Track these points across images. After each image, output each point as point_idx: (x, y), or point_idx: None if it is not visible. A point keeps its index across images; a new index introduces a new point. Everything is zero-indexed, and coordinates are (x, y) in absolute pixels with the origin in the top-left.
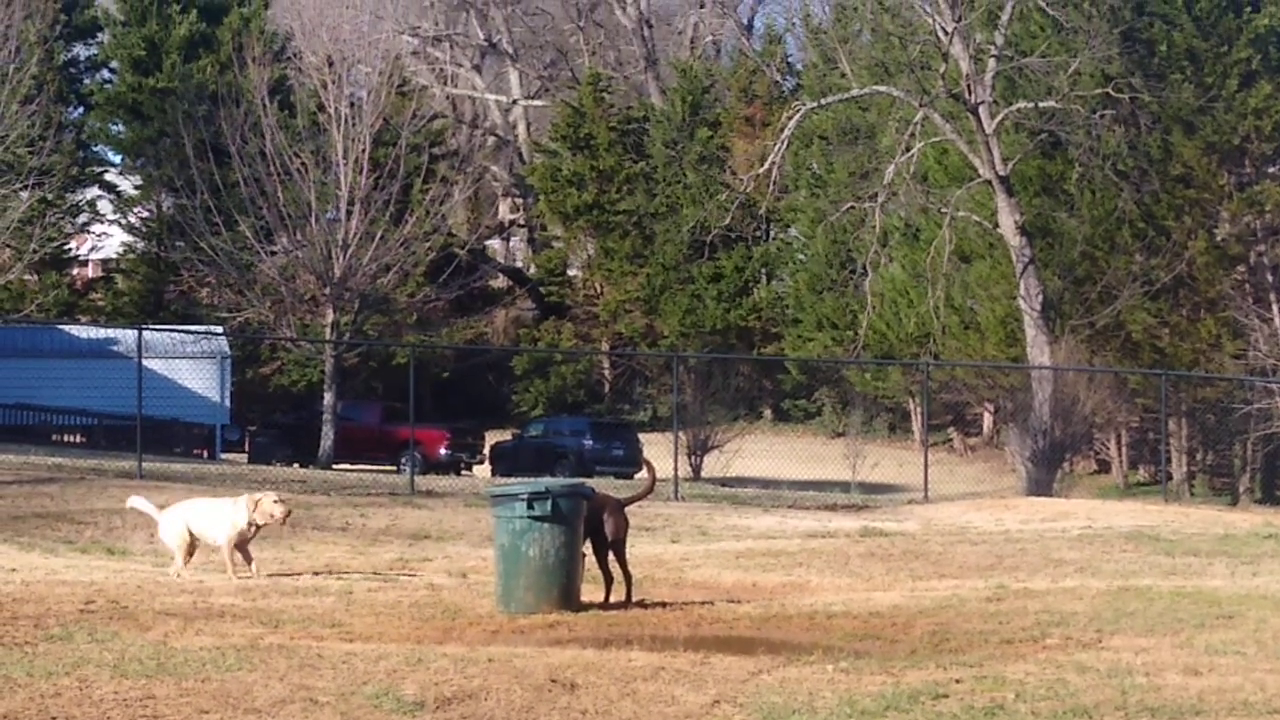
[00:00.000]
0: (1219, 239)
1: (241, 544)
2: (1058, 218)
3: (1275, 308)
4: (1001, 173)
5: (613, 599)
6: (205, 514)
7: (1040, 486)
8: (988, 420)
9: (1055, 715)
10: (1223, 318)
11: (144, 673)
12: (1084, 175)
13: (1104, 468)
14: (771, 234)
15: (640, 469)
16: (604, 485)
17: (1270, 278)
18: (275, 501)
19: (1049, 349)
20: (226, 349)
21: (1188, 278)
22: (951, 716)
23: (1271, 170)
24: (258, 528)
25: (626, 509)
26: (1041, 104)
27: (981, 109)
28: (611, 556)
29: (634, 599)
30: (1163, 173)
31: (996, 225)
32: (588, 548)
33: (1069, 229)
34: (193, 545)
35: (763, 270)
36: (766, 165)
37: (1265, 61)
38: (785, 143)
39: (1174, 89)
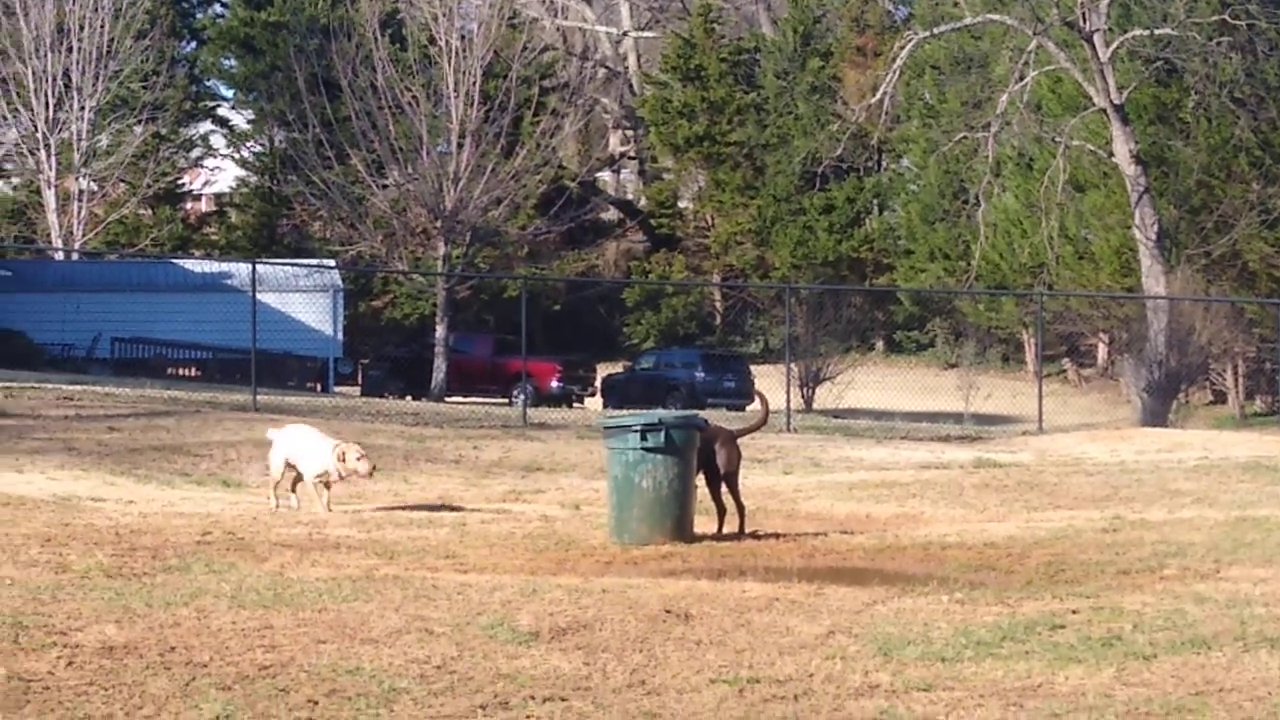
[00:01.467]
0: None
1: (325, 485)
2: (1173, 146)
3: None
4: (1116, 101)
5: (725, 530)
6: (305, 445)
7: (1155, 417)
8: (1102, 351)
9: (1173, 646)
10: None
11: (261, 603)
12: (1200, 103)
13: (1220, 398)
14: (883, 164)
15: (751, 400)
16: (716, 417)
17: None
18: (359, 458)
19: (1164, 279)
20: (339, 282)
21: None
22: (1068, 647)
23: None
24: (341, 477)
25: (739, 440)
26: (1157, 31)
27: (1096, 37)
28: (724, 488)
29: (747, 530)
30: None
31: (1111, 154)
32: (700, 479)
33: (1185, 157)
34: (297, 478)
35: (875, 201)
36: (878, 95)
37: None
38: (897, 72)
39: None
